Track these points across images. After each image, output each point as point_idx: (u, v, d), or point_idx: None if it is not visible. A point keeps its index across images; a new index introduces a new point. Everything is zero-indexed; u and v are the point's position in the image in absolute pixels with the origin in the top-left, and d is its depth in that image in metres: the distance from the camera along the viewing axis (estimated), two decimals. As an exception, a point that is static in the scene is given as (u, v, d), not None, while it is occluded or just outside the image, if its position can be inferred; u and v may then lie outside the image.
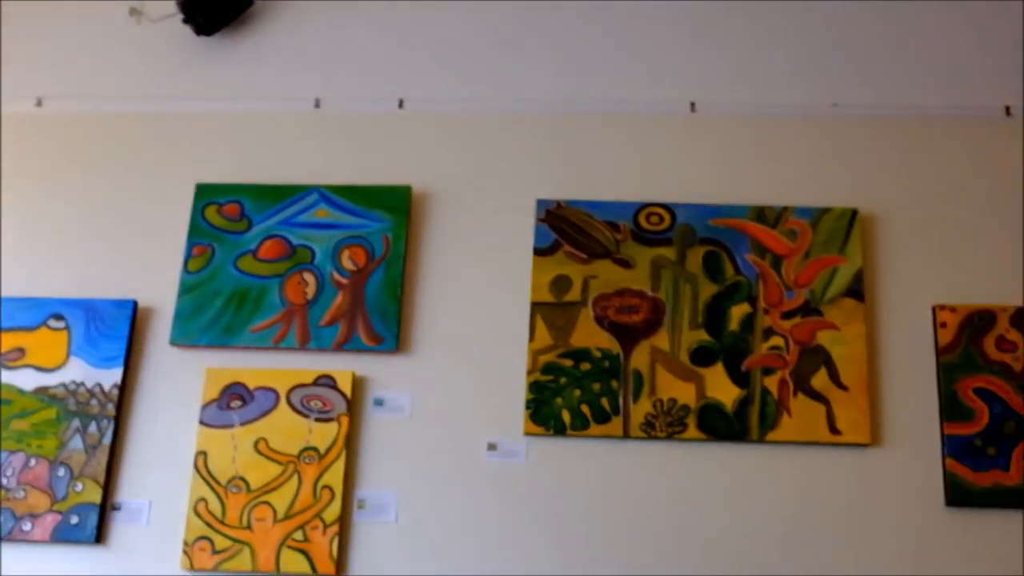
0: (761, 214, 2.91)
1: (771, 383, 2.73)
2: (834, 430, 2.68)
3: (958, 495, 2.61)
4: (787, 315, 2.80)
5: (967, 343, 2.74)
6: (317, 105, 3.18)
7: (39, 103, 3.24)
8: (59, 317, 2.89)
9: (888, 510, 2.64)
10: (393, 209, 2.96)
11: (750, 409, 2.71)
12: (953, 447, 2.65)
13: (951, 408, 2.68)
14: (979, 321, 2.76)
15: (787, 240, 2.89)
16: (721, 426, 2.70)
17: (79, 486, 2.72)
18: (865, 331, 2.77)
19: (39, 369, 2.84)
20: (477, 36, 3.24)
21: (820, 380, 2.72)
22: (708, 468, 2.70)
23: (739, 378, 2.74)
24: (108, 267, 3.00)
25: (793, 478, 2.68)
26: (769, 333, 2.79)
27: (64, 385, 2.82)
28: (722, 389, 2.73)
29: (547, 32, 3.22)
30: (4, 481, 2.74)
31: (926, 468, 2.66)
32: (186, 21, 3.22)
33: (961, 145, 3.01)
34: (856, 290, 2.81)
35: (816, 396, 2.71)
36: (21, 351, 2.86)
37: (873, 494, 2.66)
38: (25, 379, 2.83)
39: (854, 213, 2.89)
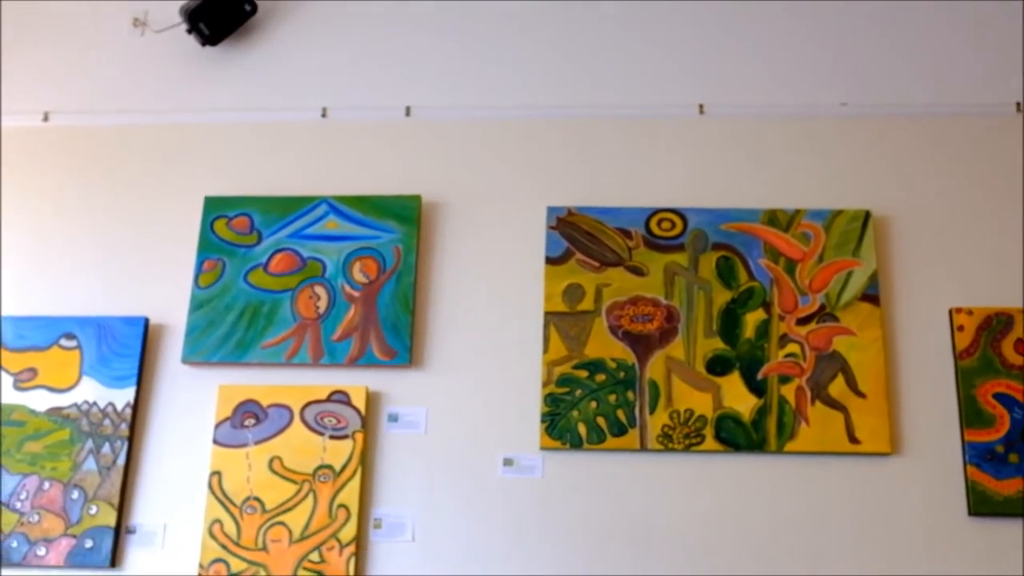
0: (773, 217, 2.89)
1: (788, 391, 2.71)
2: (853, 439, 2.65)
3: (981, 504, 2.59)
4: (802, 321, 2.78)
5: (985, 347, 2.71)
6: (324, 114, 3.16)
7: (45, 118, 3.23)
8: (71, 336, 2.88)
9: (910, 520, 2.62)
10: (403, 219, 2.94)
11: (767, 419, 2.69)
12: (974, 454, 2.62)
13: (971, 414, 2.66)
14: (997, 324, 2.73)
15: (800, 244, 2.86)
16: (739, 437, 2.68)
17: (93, 509, 2.71)
18: (882, 336, 2.75)
19: (51, 389, 2.84)
20: (483, 42, 3.21)
21: (837, 387, 2.70)
22: (727, 480, 2.68)
23: (756, 387, 2.72)
24: (118, 283, 2.99)
25: (813, 489, 2.66)
26: (785, 340, 2.76)
27: (77, 405, 2.81)
28: (739, 398, 2.71)
29: (553, 37, 3.19)
30: (18, 505, 2.73)
31: (947, 476, 2.64)
32: (190, 31, 3.20)
33: (974, 143, 2.98)
34: (871, 294, 2.79)
35: (834, 404, 2.69)
36: (33, 371, 2.86)
37: (894, 504, 2.63)
38: (37, 400, 2.83)
39: (867, 215, 2.87)
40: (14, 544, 2.69)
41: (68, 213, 3.09)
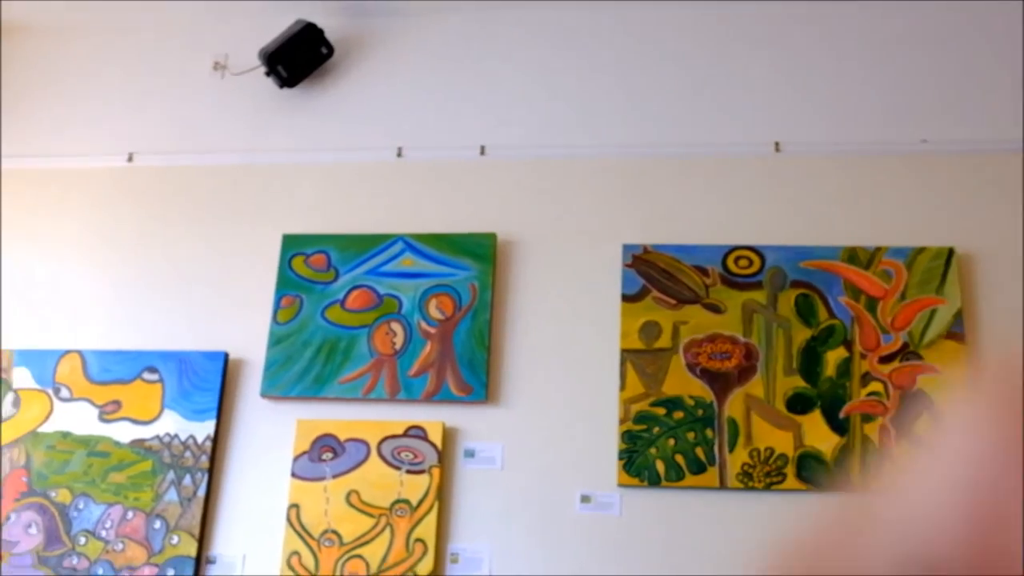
0: (853, 255, 2.85)
1: (871, 430, 2.66)
2: (941, 480, 2.59)
3: (1076, 548, 2.50)
4: (885, 359, 2.73)
5: (1077, 387, 2.64)
6: (399, 154, 3.20)
7: (130, 158, 3.31)
8: (153, 370, 2.93)
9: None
10: (478, 257, 2.96)
11: (851, 458, 2.64)
12: (1068, 497, 2.54)
13: (1063, 456, 2.58)
14: (1089, 363, 2.65)
15: (881, 281, 2.82)
16: (821, 476, 2.63)
17: (175, 539, 2.74)
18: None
19: (135, 422, 2.88)
20: (557, 82, 3.23)
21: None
22: (809, 520, 2.62)
23: (838, 425, 2.67)
24: (199, 319, 3.04)
25: (900, 530, 2.59)
26: (867, 378, 2.71)
27: (159, 438, 2.85)
28: (820, 437, 2.66)
29: (629, 76, 3.21)
30: (103, 533, 2.77)
31: (1040, 520, 2.56)
32: (268, 74, 3.27)
33: (1061, 180, 2.93)
34: (957, 332, 2.73)
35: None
36: (117, 404, 2.91)
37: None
38: (121, 432, 2.88)
39: (950, 252, 2.82)
40: (100, 572, 2.73)
41: (152, 250, 3.16)
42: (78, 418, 2.90)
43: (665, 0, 3.24)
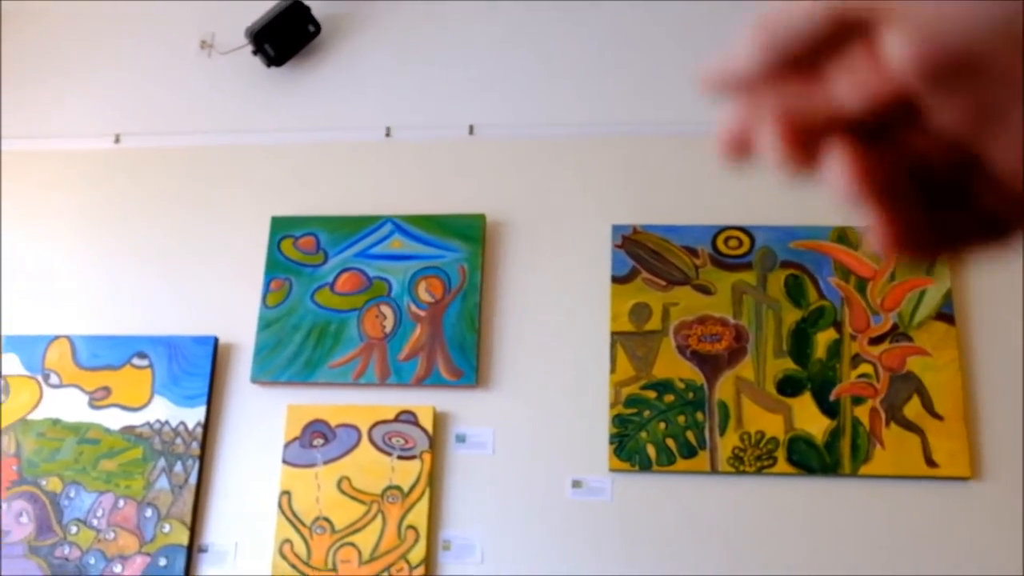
0: (843, 235, 2.84)
1: (862, 413, 2.66)
2: (930, 462, 2.60)
3: (1065, 531, 2.53)
4: (875, 340, 2.73)
5: (1066, 368, 2.65)
6: (388, 134, 3.18)
7: (117, 140, 3.28)
8: (143, 355, 2.92)
9: (990, 548, 2.55)
10: (468, 238, 2.94)
11: (841, 441, 2.64)
12: (1057, 479, 2.56)
13: (1053, 437, 2.60)
14: (1078, 344, 2.67)
15: (871, 262, 2.81)
16: (811, 459, 2.64)
17: (167, 527, 2.74)
18: (958, 356, 2.69)
19: (125, 408, 2.87)
20: (547, 61, 3.21)
21: (913, 409, 2.65)
22: (799, 503, 2.64)
23: (828, 408, 2.67)
24: (188, 303, 3.03)
25: (888, 514, 2.61)
26: (857, 360, 2.71)
27: (149, 424, 2.85)
28: (811, 420, 2.67)
29: (618, 55, 3.18)
30: (95, 522, 2.77)
31: (1030, 503, 2.59)
32: (255, 52, 3.23)
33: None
34: (946, 313, 2.73)
35: (910, 426, 2.64)
36: (107, 390, 2.90)
37: (974, 531, 2.57)
38: (112, 418, 2.87)
39: (941, 232, 2.81)
40: (92, 561, 2.73)
41: (139, 233, 3.14)
42: (68, 405, 2.89)
43: (655, -23, 3.21)
